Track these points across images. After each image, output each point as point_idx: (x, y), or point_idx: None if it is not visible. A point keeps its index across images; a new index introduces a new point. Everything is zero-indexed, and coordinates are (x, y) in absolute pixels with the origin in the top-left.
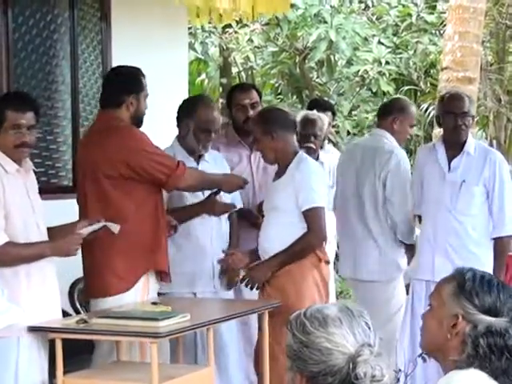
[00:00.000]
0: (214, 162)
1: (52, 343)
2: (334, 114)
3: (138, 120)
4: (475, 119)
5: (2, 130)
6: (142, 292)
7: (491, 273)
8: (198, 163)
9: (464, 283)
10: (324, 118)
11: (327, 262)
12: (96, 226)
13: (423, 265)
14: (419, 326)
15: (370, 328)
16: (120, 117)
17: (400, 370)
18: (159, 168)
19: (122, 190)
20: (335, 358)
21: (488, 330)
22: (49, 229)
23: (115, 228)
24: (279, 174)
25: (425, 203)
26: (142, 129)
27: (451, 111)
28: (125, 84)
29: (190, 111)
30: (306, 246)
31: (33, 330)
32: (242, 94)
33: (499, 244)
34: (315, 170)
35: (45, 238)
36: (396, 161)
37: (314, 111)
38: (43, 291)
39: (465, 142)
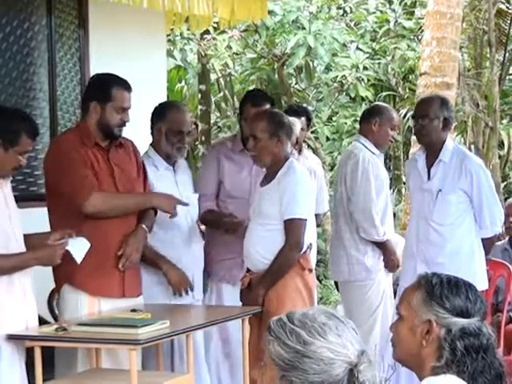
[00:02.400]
0: (184, 169)
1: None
2: (309, 119)
3: (104, 130)
4: (454, 124)
5: (10, 151)
6: (87, 308)
7: (471, 282)
8: (174, 169)
9: (432, 289)
10: (295, 122)
11: (310, 270)
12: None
13: (407, 272)
14: None
15: (357, 333)
16: (82, 123)
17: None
18: (66, 187)
19: (50, 199)
20: (338, 366)
21: (463, 332)
22: (24, 236)
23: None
24: (268, 180)
25: (411, 212)
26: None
27: (413, 115)
28: (90, 90)
29: (161, 115)
30: (285, 261)
31: (12, 338)
32: (253, 109)
33: (485, 243)
34: (302, 179)
35: (22, 246)
36: (355, 160)
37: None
38: (23, 300)
39: (440, 149)
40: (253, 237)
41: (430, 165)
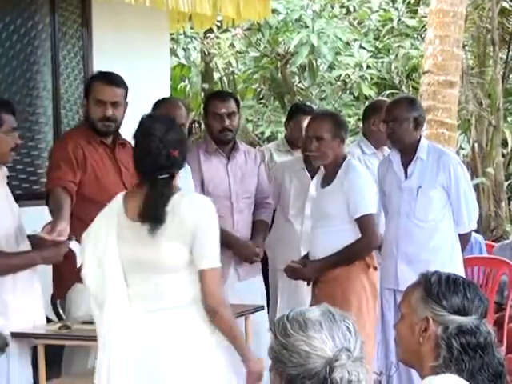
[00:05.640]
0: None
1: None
2: None
3: (92, 125)
4: (457, 123)
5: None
6: None
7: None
8: None
9: (430, 286)
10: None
11: (375, 268)
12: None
13: (388, 273)
14: (390, 333)
15: (350, 332)
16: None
17: (382, 372)
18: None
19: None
20: (314, 361)
21: (459, 330)
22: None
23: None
24: (327, 181)
25: (388, 213)
26: (123, 134)
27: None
28: None
29: (154, 110)
30: (359, 251)
31: (16, 336)
32: (219, 103)
33: (462, 239)
34: (364, 177)
35: (26, 241)
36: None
37: None
38: (29, 297)
39: (417, 146)
40: (320, 239)
41: (406, 164)
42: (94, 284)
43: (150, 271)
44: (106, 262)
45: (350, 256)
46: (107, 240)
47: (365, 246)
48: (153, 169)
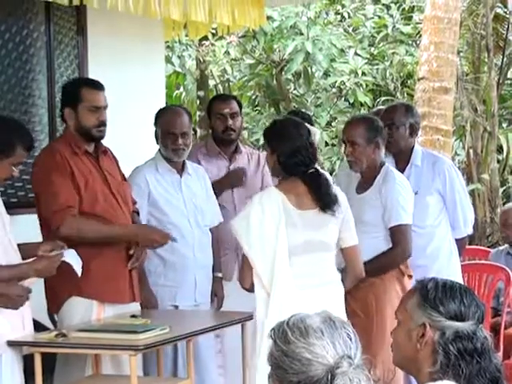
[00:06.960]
0: (196, 176)
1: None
2: (311, 125)
3: (84, 133)
4: (452, 129)
5: (4, 162)
6: (96, 316)
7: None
8: (181, 176)
9: (427, 293)
10: (315, 131)
11: (410, 276)
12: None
13: None
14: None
15: (351, 339)
16: (68, 131)
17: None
18: (45, 205)
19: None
20: (315, 368)
21: (456, 336)
22: (19, 245)
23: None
24: (365, 187)
25: None
26: (119, 142)
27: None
28: (62, 97)
29: (156, 118)
30: (391, 262)
31: (12, 344)
32: (222, 104)
33: (458, 244)
34: (403, 185)
35: (17, 253)
36: None
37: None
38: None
39: (411, 153)
40: None
41: (400, 170)
42: (263, 266)
43: (319, 251)
44: (278, 247)
45: (383, 267)
46: (278, 227)
47: (398, 256)
48: (304, 164)
